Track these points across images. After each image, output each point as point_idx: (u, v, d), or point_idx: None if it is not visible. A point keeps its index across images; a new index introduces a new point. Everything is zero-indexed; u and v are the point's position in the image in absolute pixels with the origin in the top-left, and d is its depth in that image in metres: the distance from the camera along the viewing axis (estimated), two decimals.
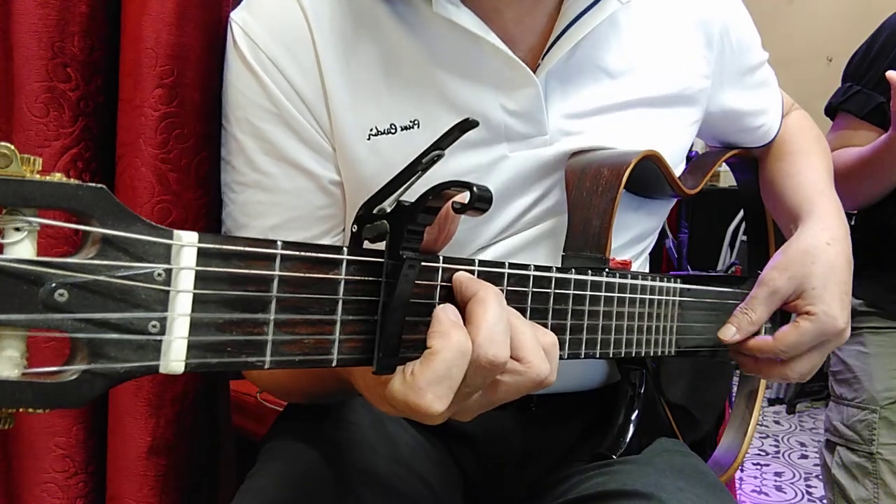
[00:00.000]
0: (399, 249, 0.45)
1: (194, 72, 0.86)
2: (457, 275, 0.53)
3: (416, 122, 0.78)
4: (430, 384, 0.47)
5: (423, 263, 0.49)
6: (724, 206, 3.62)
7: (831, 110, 1.53)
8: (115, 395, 0.90)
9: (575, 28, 0.80)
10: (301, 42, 0.78)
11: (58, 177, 0.34)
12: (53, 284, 0.33)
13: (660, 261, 1.06)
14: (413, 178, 0.46)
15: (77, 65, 0.84)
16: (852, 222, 1.45)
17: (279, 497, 0.74)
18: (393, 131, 0.78)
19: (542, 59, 0.81)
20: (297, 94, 0.78)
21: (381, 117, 0.78)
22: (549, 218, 0.84)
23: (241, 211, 0.83)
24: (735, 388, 1.16)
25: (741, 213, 3.68)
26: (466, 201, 0.43)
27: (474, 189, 0.43)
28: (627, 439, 0.84)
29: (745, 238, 3.60)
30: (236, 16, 0.80)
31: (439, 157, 0.46)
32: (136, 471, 0.89)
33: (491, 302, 0.50)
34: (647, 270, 1.00)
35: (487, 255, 0.84)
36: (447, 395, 0.48)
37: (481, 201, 0.43)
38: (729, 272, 1.01)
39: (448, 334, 0.48)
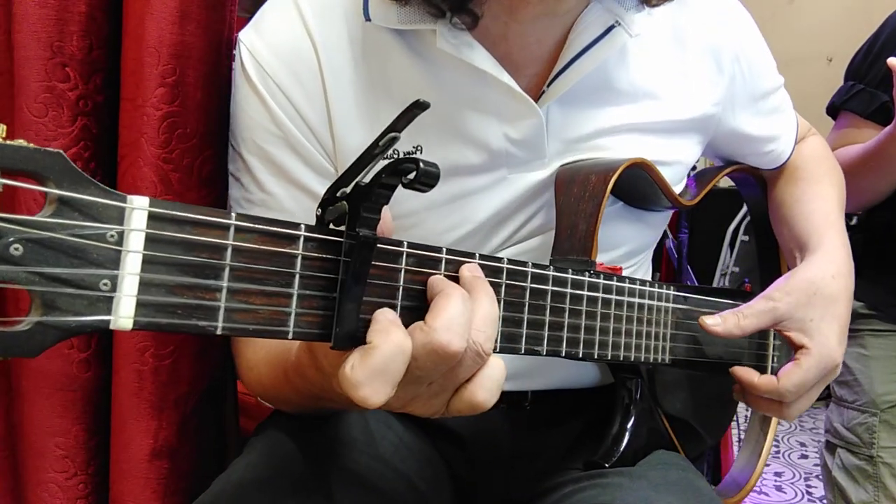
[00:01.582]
0: (356, 227, 0.49)
1: (196, 71, 0.90)
2: (432, 277, 0.57)
3: (418, 147, 0.83)
4: (368, 379, 0.50)
5: (385, 246, 0.53)
6: (724, 206, 3.65)
7: (834, 109, 1.56)
8: (116, 396, 0.93)
9: (583, 60, 0.83)
10: (307, 68, 0.82)
11: (19, 142, 0.38)
12: (11, 239, 0.38)
13: (660, 261, 1.09)
14: (372, 162, 0.50)
15: (76, 64, 0.88)
16: (853, 221, 1.46)
17: (250, 490, 0.77)
18: (395, 156, 0.83)
19: (548, 86, 0.84)
20: (302, 119, 0.83)
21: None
22: (543, 232, 0.88)
23: None
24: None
25: (741, 213, 3.72)
26: (414, 177, 0.47)
27: (421, 165, 0.47)
28: (621, 448, 0.86)
29: (745, 238, 3.61)
30: (245, 37, 0.85)
31: (395, 139, 0.50)
32: (139, 473, 0.93)
33: (455, 298, 0.54)
34: (646, 278, 1.03)
35: None
36: (384, 390, 0.51)
37: (427, 176, 0.47)
38: (740, 287, 1.04)
39: (388, 331, 0.51)
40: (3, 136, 0.39)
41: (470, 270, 0.59)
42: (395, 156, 0.82)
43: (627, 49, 0.88)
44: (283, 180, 0.85)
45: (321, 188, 0.83)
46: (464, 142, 0.84)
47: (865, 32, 1.54)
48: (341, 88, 0.82)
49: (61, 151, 0.39)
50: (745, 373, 0.90)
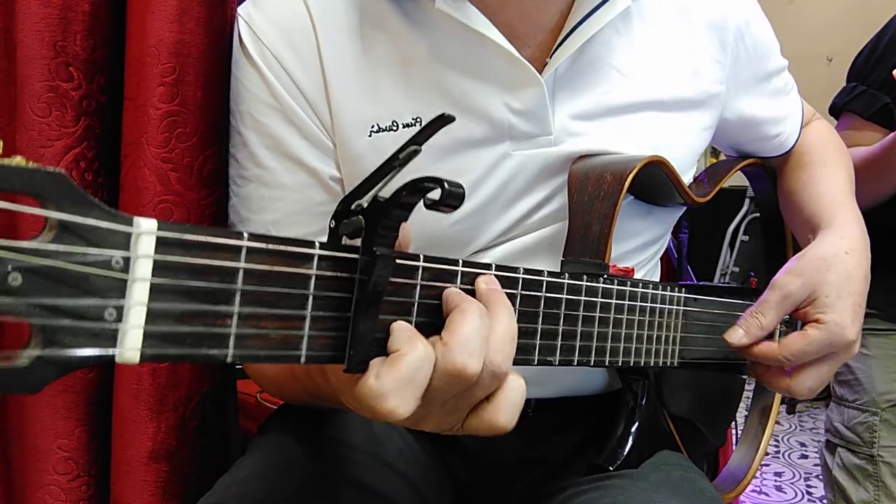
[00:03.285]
0: (373, 245, 0.46)
1: (196, 69, 0.88)
2: (447, 290, 0.54)
3: (418, 119, 0.80)
4: (395, 388, 0.47)
5: (400, 261, 0.50)
6: (724, 206, 3.72)
7: (836, 110, 1.55)
8: (116, 398, 0.92)
9: (584, 27, 0.81)
10: (304, 38, 0.80)
11: (17, 160, 0.35)
12: (9, 268, 0.34)
13: (660, 261, 1.08)
14: (391, 174, 0.47)
15: (79, 64, 0.86)
16: None
17: (254, 491, 0.75)
18: (395, 128, 0.80)
19: (551, 57, 0.82)
20: (298, 89, 0.81)
21: (384, 114, 0.80)
22: (553, 223, 0.85)
23: (243, 205, 0.86)
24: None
25: (741, 213, 3.74)
26: (438, 198, 0.44)
27: (445, 185, 0.43)
28: (626, 451, 0.84)
29: (745, 238, 3.63)
30: (243, 10, 0.84)
31: (416, 152, 0.47)
32: (138, 476, 0.91)
33: (472, 314, 0.51)
34: (656, 276, 1.00)
35: (487, 259, 0.85)
36: (411, 401, 0.48)
37: (452, 197, 0.44)
38: (745, 283, 1.01)
39: (413, 339, 0.49)
40: (0, 153, 0.35)
41: (486, 283, 0.56)
42: (395, 128, 0.80)
43: (633, 26, 0.87)
44: (278, 154, 0.82)
45: (318, 162, 0.82)
46: (464, 112, 0.81)
47: (865, 32, 1.54)
48: (338, 58, 0.80)
49: (62, 171, 0.35)
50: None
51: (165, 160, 0.87)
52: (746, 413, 1.16)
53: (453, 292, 0.54)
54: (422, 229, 0.80)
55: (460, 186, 0.44)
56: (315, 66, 0.80)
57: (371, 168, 0.78)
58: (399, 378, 0.47)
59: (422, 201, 0.45)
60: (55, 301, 0.35)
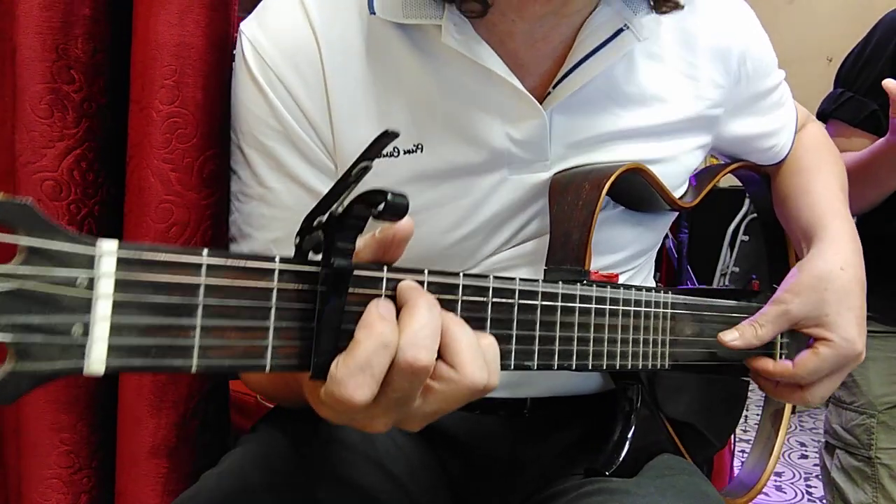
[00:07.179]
0: (332, 257, 0.51)
1: (196, 70, 0.92)
2: (400, 283, 0.58)
3: (419, 146, 0.85)
4: (351, 374, 0.52)
5: (363, 273, 0.55)
6: (724, 206, 3.79)
7: (823, 116, 1.57)
8: (121, 392, 0.97)
9: (590, 63, 0.84)
10: (309, 61, 0.84)
11: None
12: None
13: (660, 261, 1.11)
14: (346, 192, 0.52)
15: (81, 66, 0.92)
16: None
17: (228, 486, 0.80)
18: (395, 154, 0.85)
19: (553, 88, 0.86)
20: (302, 112, 0.85)
21: None
22: (541, 235, 0.90)
23: (245, 221, 0.91)
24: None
25: (741, 213, 3.75)
26: (382, 209, 0.49)
27: (389, 196, 0.48)
28: (621, 457, 0.88)
29: (745, 238, 3.65)
30: (246, 29, 0.87)
31: (367, 169, 0.52)
32: (139, 470, 0.96)
33: (419, 308, 0.55)
34: (650, 281, 1.04)
35: (480, 269, 0.90)
36: (369, 386, 0.52)
37: (395, 208, 0.49)
38: (747, 285, 1.04)
39: (372, 325, 0.53)
40: None
41: (407, 283, 0.59)
42: (395, 154, 0.84)
43: (634, 53, 0.90)
44: (281, 175, 0.87)
45: (320, 184, 0.86)
46: (465, 141, 0.85)
47: (865, 32, 1.56)
48: (342, 82, 0.84)
49: (30, 201, 0.41)
50: (759, 361, 0.93)
51: (166, 161, 0.91)
52: (747, 413, 1.19)
53: (405, 286, 0.57)
54: (423, 248, 0.85)
55: (404, 197, 0.50)
56: (319, 90, 0.84)
57: None
58: (353, 365, 0.52)
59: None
60: (27, 319, 0.41)
